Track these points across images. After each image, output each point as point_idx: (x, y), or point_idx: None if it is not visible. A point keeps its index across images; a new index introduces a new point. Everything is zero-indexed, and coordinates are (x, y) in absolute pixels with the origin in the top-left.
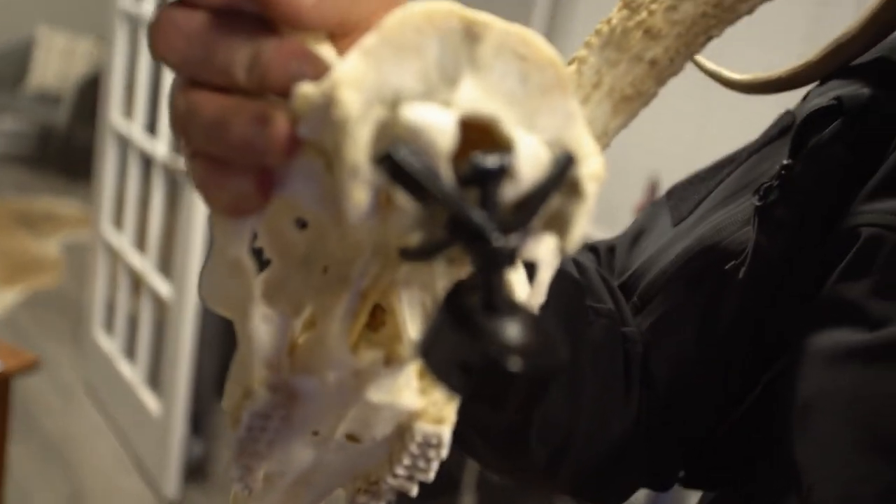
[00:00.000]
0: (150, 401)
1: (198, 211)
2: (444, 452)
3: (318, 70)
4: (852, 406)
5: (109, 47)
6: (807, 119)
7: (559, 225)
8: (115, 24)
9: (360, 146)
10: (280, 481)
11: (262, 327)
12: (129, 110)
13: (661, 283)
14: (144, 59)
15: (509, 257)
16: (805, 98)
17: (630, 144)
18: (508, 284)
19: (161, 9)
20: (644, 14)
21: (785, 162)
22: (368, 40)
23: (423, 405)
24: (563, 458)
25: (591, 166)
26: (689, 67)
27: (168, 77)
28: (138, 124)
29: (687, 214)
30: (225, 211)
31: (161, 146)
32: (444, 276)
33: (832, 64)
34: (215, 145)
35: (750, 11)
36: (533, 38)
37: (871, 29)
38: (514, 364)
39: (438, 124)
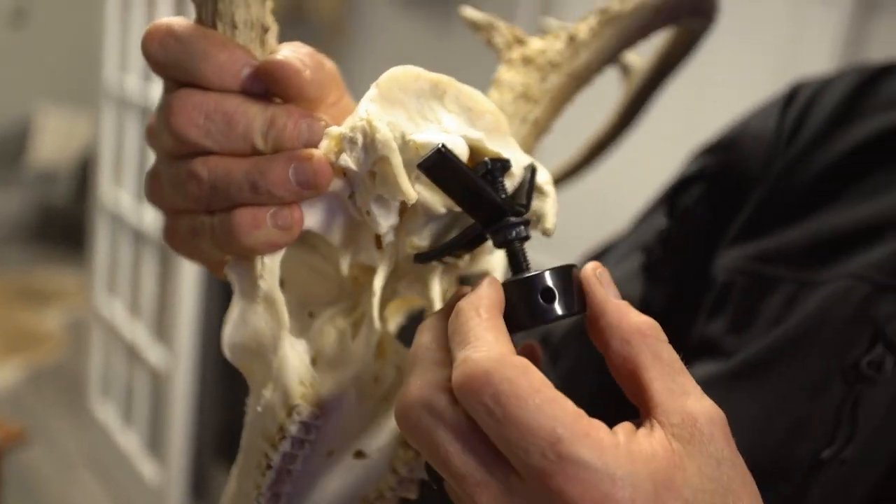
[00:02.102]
0: (148, 469)
1: (188, 279)
2: None
3: (319, 128)
4: None
5: (97, 127)
6: (677, 186)
7: (539, 218)
8: (101, 104)
9: (400, 157)
10: None
11: (292, 353)
12: (118, 186)
13: (570, 336)
14: (131, 137)
15: (526, 231)
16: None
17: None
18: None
19: (172, 94)
20: (521, 87)
21: (662, 224)
22: (371, 94)
23: None
24: None
25: (544, 176)
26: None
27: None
28: (127, 199)
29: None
30: (265, 247)
31: (150, 218)
32: (438, 283)
33: (591, 159)
34: (251, 194)
35: (592, 77)
36: (476, 94)
37: (617, 130)
38: (551, 307)
39: (452, 139)
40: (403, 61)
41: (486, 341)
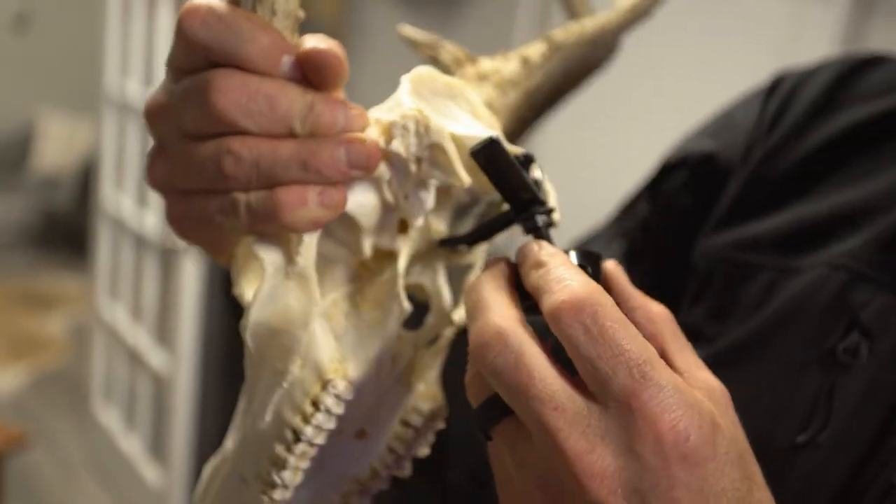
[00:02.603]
0: (150, 473)
1: (190, 283)
2: (441, 424)
3: (353, 116)
4: None
5: (99, 132)
6: (660, 173)
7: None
8: (103, 110)
9: (454, 146)
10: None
11: (320, 330)
12: (120, 190)
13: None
14: (132, 142)
15: (550, 218)
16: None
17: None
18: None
19: (213, 73)
20: (488, 95)
21: (645, 211)
22: (407, 88)
23: (425, 387)
24: (479, 486)
25: (539, 172)
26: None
27: None
28: (129, 203)
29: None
30: (305, 226)
31: (151, 222)
32: (442, 270)
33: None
34: (299, 172)
35: (539, 103)
36: (476, 98)
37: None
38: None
39: (492, 133)
40: (402, 63)
41: (576, 274)
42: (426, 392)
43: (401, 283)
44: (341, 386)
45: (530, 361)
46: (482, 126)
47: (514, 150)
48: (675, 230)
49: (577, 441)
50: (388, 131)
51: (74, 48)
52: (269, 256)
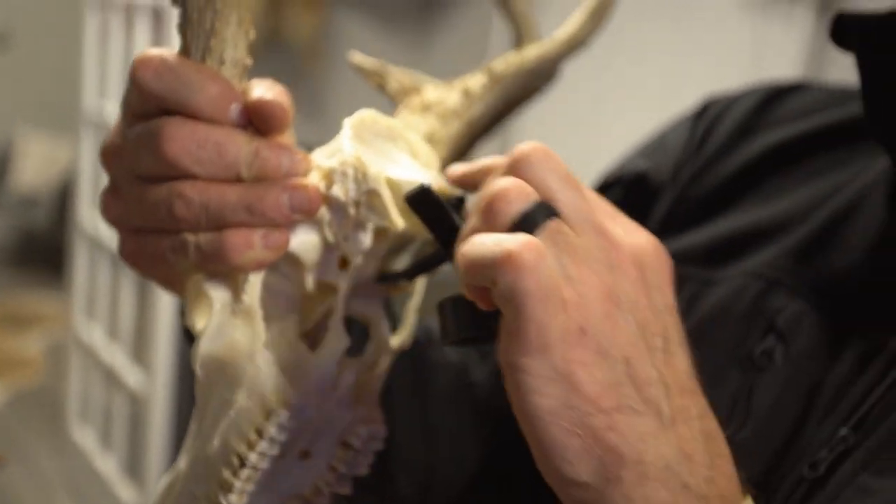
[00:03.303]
0: (126, 493)
1: (166, 303)
2: (380, 445)
3: (301, 159)
4: None
5: (77, 152)
6: (599, 189)
7: None
8: (81, 130)
9: (389, 192)
10: None
11: (263, 363)
12: (97, 210)
13: None
14: None
15: None
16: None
17: None
18: None
19: (163, 121)
20: (428, 129)
21: None
22: (348, 133)
23: (365, 411)
24: (428, 493)
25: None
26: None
27: None
28: (106, 224)
29: None
30: (251, 266)
31: None
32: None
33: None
34: (244, 216)
35: (480, 131)
36: (415, 137)
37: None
38: None
39: (428, 178)
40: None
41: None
42: (366, 415)
43: (340, 315)
44: (283, 415)
45: (554, 174)
46: (419, 166)
47: (447, 192)
48: None
49: (622, 237)
50: (329, 177)
51: (53, 68)
52: (217, 294)
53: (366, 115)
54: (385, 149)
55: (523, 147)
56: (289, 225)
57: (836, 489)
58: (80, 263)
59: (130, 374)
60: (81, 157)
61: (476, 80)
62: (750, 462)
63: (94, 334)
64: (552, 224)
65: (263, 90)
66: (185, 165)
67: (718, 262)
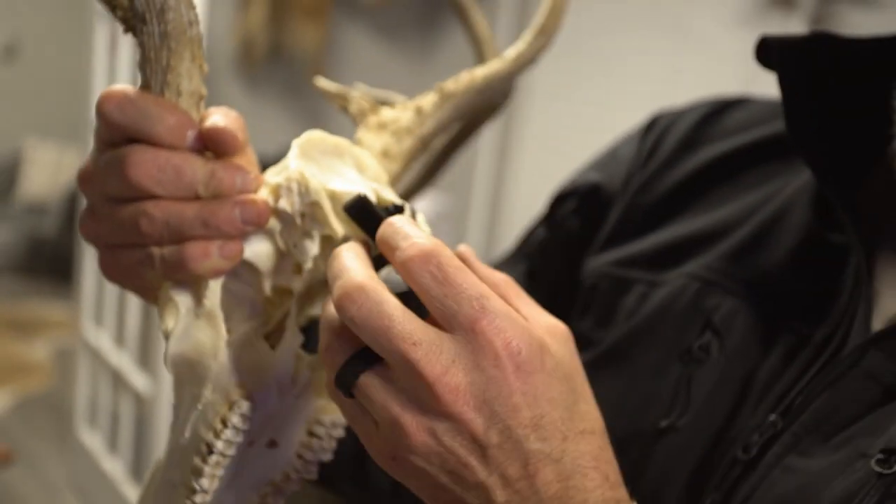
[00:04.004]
0: (132, 494)
1: None
2: (342, 432)
3: (253, 177)
4: None
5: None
6: (555, 200)
7: None
8: (89, 139)
9: (330, 202)
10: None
11: (226, 358)
12: None
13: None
14: None
15: None
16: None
17: None
18: None
19: (127, 149)
20: (383, 145)
21: (541, 235)
22: (295, 153)
23: (325, 401)
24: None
25: (421, 216)
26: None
27: None
28: None
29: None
30: (210, 273)
31: None
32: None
33: (435, 171)
34: (203, 229)
35: (428, 144)
36: (363, 153)
37: (451, 152)
38: None
39: (366, 188)
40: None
41: (421, 234)
42: (326, 406)
43: (293, 316)
44: (245, 406)
45: (389, 308)
46: (364, 179)
47: (387, 199)
48: (566, 251)
49: (434, 367)
50: (276, 191)
51: (62, 79)
52: (183, 299)
53: (314, 135)
54: (331, 164)
55: (404, 255)
56: (242, 236)
57: (765, 469)
58: (88, 270)
59: (137, 378)
60: None
61: (428, 99)
62: (691, 446)
63: (102, 340)
64: (361, 381)
65: (218, 118)
66: (148, 187)
67: (664, 265)
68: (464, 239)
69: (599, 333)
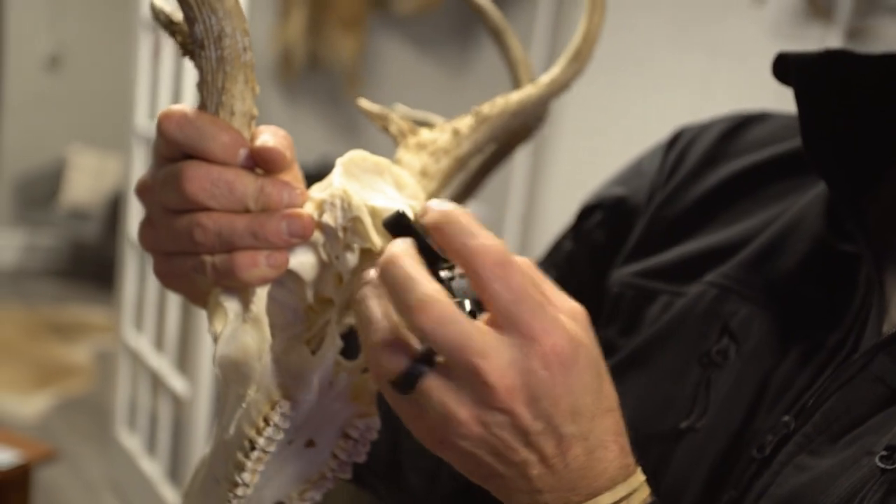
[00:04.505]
0: (170, 495)
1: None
2: (375, 435)
3: (300, 193)
4: None
5: (127, 168)
6: (582, 213)
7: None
8: (132, 145)
9: (370, 218)
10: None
11: (269, 361)
12: None
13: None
14: None
15: (452, 273)
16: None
17: None
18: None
19: (184, 164)
20: (421, 165)
21: (569, 246)
22: (339, 171)
23: (361, 406)
24: (435, 484)
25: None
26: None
27: None
28: None
29: None
30: (258, 280)
31: None
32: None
33: (472, 189)
34: (251, 240)
35: (463, 165)
36: (402, 172)
37: (486, 171)
38: None
39: (405, 205)
40: (418, 107)
41: (488, 233)
42: (363, 410)
43: (334, 324)
44: (285, 406)
45: (463, 326)
46: (403, 195)
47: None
48: (592, 262)
49: (495, 372)
50: (321, 207)
51: (105, 88)
52: (231, 305)
53: (356, 154)
54: (372, 181)
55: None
56: (288, 247)
57: (778, 467)
58: (129, 276)
59: (175, 381)
60: (132, 172)
61: (465, 122)
62: (709, 446)
63: (142, 343)
64: (423, 383)
65: (267, 137)
66: (202, 200)
67: (687, 277)
68: None
69: (624, 340)
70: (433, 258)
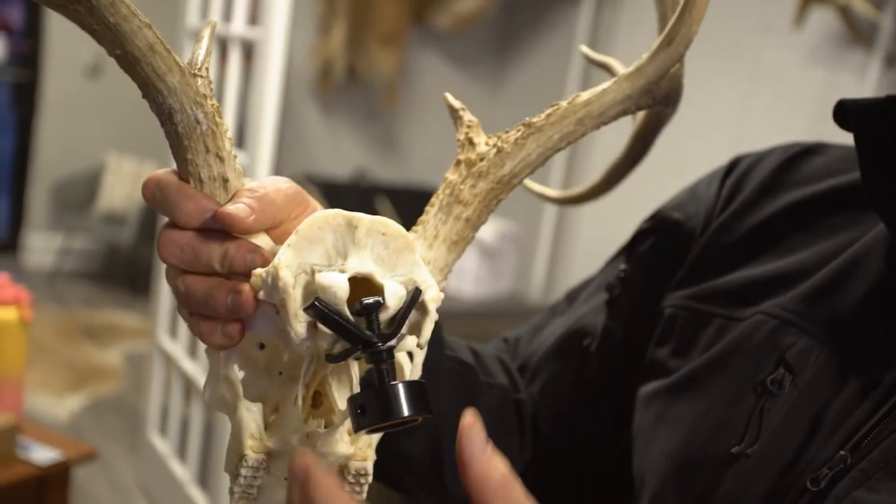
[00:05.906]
0: (199, 499)
1: None
2: (370, 479)
3: (263, 256)
4: (657, 427)
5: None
6: (635, 237)
7: (416, 331)
8: (167, 153)
9: (295, 301)
10: None
11: (246, 415)
12: None
13: (546, 358)
14: None
15: (389, 354)
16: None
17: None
18: (394, 368)
19: (161, 230)
20: (457, 190)
21: (622, 267)
22: (292, 238)
23: (352, 450)
24: None
25: (432, 294)
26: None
27: None
28: None
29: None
30: (218, 347)
31: None
32: (356, 367)
33: (610, 183)
34: (208, 309)
35: (519, 182)
36: (388, 222)
37: (629, 159)
38: (399, 409)
39: (339, 282)
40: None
41: (497, 459)
42: (357, 454)
43: (300, 385)
44: (252, 459)
45: None
46: (368, 263)
47: (380, 288)
48: (645, 284)
49: None
50: (258, 281)
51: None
52: (212, 360)
53: (319, 215)
54: (340, 243)
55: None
56: (236, 319)
57: (833, 501)
58: (164, 283)
59: None
60: None
61: (510, 136)
62: (760, 473)
63: (175, 348)
64: None
65: (232, 205)
66: (174, 264)
67: (742, 303)
68: (530, 263)
69: (676, 362)
70: (363, 342)
